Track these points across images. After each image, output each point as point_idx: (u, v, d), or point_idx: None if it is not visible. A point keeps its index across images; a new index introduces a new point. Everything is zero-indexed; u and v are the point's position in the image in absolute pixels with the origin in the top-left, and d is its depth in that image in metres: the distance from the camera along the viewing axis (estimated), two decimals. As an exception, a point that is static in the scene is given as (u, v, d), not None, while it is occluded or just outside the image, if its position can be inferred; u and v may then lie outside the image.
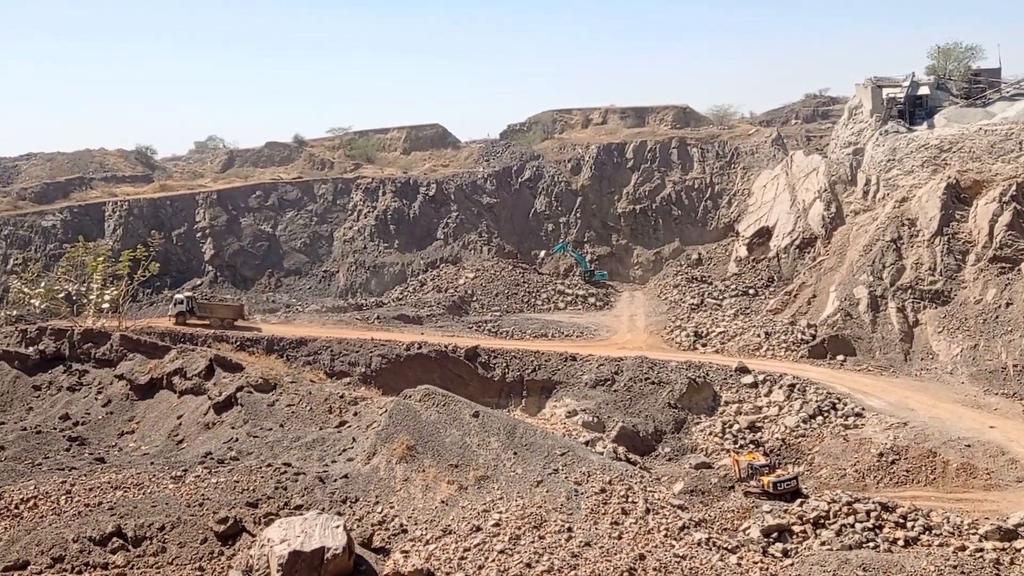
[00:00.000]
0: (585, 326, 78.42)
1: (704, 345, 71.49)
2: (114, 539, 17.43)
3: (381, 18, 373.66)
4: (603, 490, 17.88)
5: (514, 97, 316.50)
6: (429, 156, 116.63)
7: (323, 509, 18.39)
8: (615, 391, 61.10)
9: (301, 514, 18.25)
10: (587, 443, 32.62)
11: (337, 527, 16.17)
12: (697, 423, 58.27)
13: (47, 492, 19.35)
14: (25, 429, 26.25)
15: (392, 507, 18.40)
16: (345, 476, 19.48)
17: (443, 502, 18.21)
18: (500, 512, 17.64)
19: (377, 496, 18.82)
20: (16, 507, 19.04)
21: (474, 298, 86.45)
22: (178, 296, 63.14)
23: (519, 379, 63.96)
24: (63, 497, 19.20)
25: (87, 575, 16.63)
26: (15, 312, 35.94)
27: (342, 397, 24.13)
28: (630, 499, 17.46)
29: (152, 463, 21.34)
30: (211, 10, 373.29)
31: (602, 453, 30.25)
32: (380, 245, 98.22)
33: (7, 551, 17.26)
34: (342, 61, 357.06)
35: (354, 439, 21.78)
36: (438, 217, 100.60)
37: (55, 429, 26.52)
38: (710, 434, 57.08)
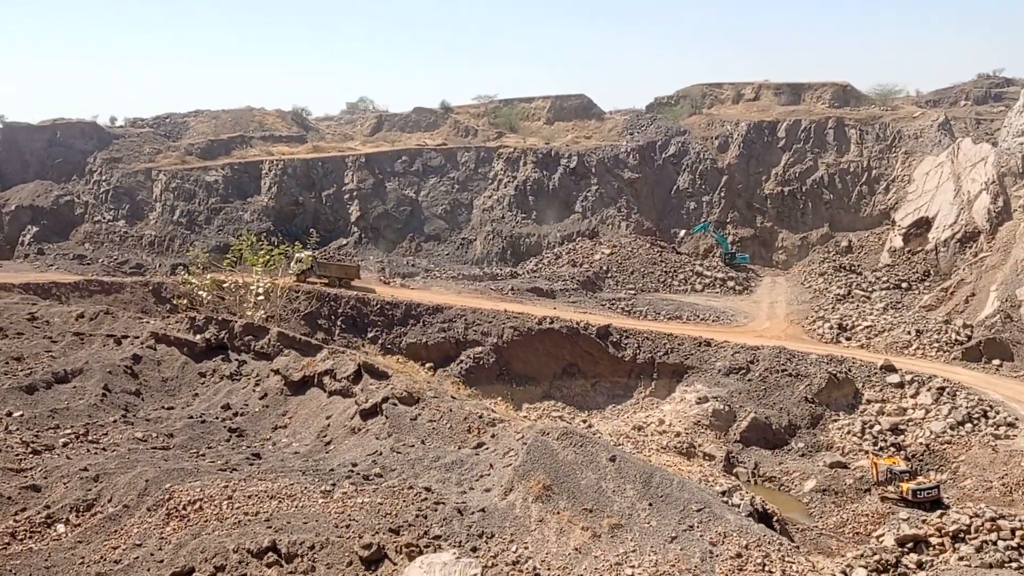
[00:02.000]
0: (722, 310, 76.89)
1: (848, 339, 68.79)
2: (269, 553, 18.55)
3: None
4: (739, 555, 17.67)
5: (663, 69, 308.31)
6: (572, 127, 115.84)
7: (460, 543, 19.08)
8: (749, 380, 60.03)
9: (440, 546, 19.01)
10: (723, 493, 32.15)
11: (475, 574, 16.81)
12: (835, 420, 56.58)
13: (211, 496, 20.78)
14: (192, 418, 28.34)
15: (526, 547, 18.87)
16: (482, 510, 20.08)
17: (576, 549, 18.52)
18: (633, 567, 17.77)
19: (512, 534, 19.32)
20: (184, 508, 20.50)
21: (609, 274, 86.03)
22: (299, 255, 66.20)
23: (650, 361, 63.63)
24: (225, 502, 20.56)
25: (245, 586, 17.79)
26: (185, 301, 39.01)
27: (480, 417, 24.78)
28: (767, 567, 17.19)
29: (303, 473, 22.63)
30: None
31: (738, 506, 29.74)
32: (518, 215, 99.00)
33: (175, 555, 18.66)
34: (490, 28, 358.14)
35: (491, 465, 22.33)
36: (577, 190, 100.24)
37: (217, 419, 28.49)
38: (848, 433, 55.38)
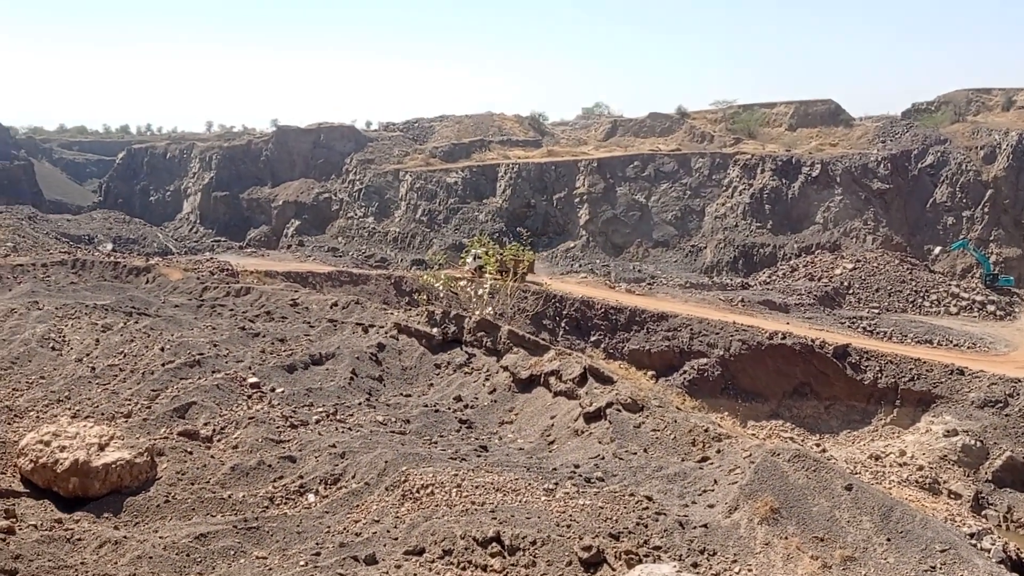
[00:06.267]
0: (979, 337, 69.99)
1: None
2: (493, 543, 19.17)
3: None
4: (987, 605, 16.10)
5: (923, 73, 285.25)
6: (816, 134, 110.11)
7: (680, 557, 18.73)
8: (1007, 416, 54.19)
9: (660, 557, 18.78)
10: (971, 535, 29.27)
11: (694, 589, 16.51)
12: (1108, 469, 50.11)
13: (442, 482, 21.81)
14: (426, 406, 29.97)
15: (750, 570, 18.16)
16: (705, 525, 19.56)
17: (804, 578, 17.65)
18: (866, 605, 16.69)
19: (735, 554, 18.67)
20: (417, 491, 21.66)
21: (850, 291, 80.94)
22: (475, 252, 67.47)
23: (892, 386, 59.14)
24: (454, 490, 21.49)
25: (470, 572, 18.53)
26: (425, 295, 41.78)
27: (706, 431, 24.18)
28: (1021, 623, 15.49)
29: (527, 469, 23.23)
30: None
31: (988, 550, 26.93)
32: (752, 224, 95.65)
33: (408, 534, 19.76)
34: (731, 31, 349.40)
35: (715, 481, 21.71)
36: (819, 200, 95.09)
37: (449, 409, 29.89)
38: (1124, 482, 48.93)
